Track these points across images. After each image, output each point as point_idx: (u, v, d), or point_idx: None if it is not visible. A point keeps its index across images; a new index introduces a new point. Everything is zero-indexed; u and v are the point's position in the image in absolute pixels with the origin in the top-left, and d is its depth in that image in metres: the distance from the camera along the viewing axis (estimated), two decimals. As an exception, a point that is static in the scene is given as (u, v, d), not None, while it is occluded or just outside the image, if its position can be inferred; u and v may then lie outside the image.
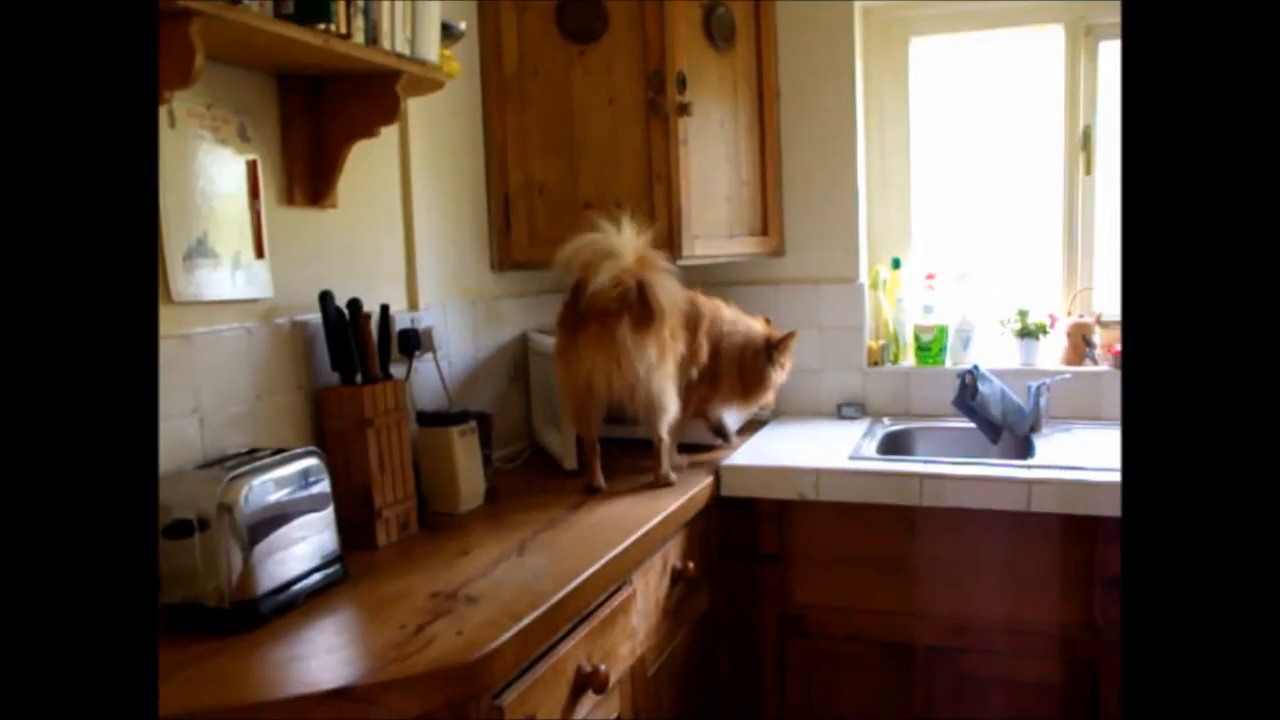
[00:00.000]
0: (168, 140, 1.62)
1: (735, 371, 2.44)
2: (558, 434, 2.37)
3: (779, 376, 2.48)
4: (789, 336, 2.47)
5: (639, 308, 2.08)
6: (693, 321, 2.35)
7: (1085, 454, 2.29)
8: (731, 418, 2.63)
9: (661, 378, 2.15)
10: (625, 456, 2.37)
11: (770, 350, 2.45)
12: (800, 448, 2.49)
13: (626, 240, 2.10)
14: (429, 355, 2.24)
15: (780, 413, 2.90)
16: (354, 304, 1.90)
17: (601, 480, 2.19)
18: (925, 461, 2.33)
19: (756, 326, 2.49)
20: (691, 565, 2.13)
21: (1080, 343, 2.76)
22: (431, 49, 1.90)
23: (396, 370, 2.03)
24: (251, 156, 1.80)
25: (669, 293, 2.10)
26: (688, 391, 2.39)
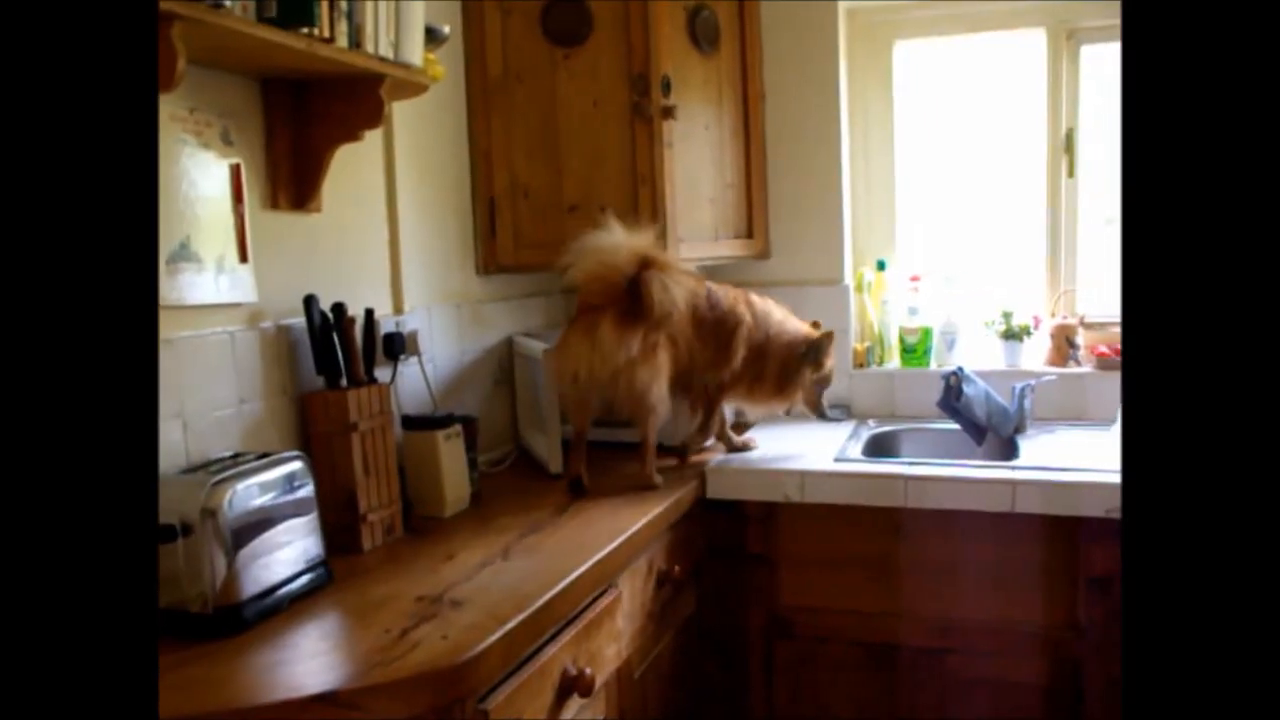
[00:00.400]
0: (150, 144, 1.61)
1: (777, 372, 2.43)
2: (543, 437, 2.37)
3: (811, 377, 2.46)
4: (824, 337, 2.45)
5: (627, 303, 2.10)
6: (726, 326, 2.34)
7: (1069, 455, 2.30)
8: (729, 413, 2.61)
9: (645, 375, 2.15)
10: (615, 460, 2.38)
11: (808, 351, 2.44)
12: (786, 449, 2.49)
13: (620, 240, 2.13)
14: (414, 359, 2.24)
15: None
16: (338, 308, 1.90)
17: (585, 477, 2.20)
18: (910, 463, 2.34)
19: (804, 329, 2.48)
20: (678, 568, 2.13)
21: (1064, 344, 2.77)
22: (415, 52, 1.90)
23: (381, 374, 2.03)
24: (235, 160, 1.80)
25: (668, 292, 2.11)
26: (716, 392, 2.40)
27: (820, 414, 2.57)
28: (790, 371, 2.44)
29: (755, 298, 2.45)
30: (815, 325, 2.51)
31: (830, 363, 2.50)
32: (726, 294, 2.38)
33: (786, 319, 2.48)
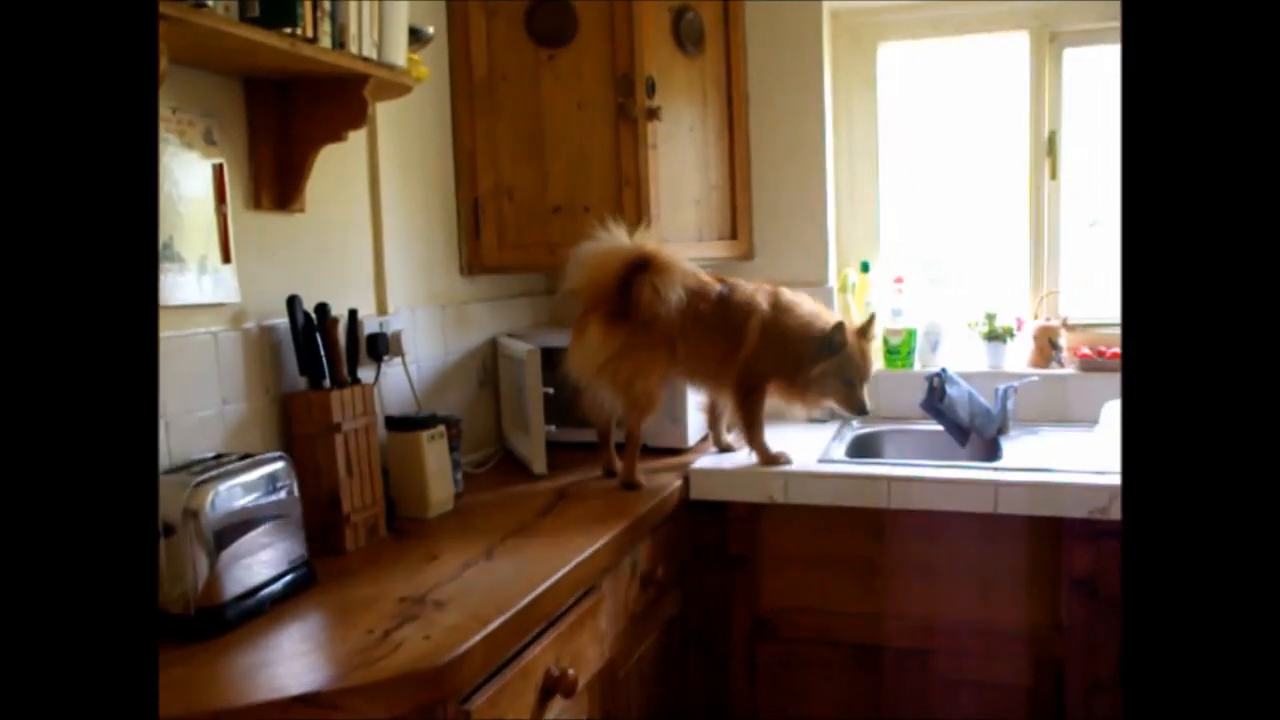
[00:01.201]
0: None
1: (792, 365, 2.28)
2: (527, 438, 2.37)
3: (820, 369, 2.26)
4: (835, 328, 2.25)
5: (617, 303, 2.15)
6: (735, 317, 2.29)
7: (1052, 456, 2.31)
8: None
9: (627, 371, 2.19)
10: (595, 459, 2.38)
11: (821, 344, 2.26)
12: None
13: (613, 244, 2.16)
14: (397, 359, 2.23)
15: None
16: (322, 308, 1.90)
17: (618, 465, 2.29)
18: (894, 464, 2.34)
19: (825, 320, 2.31)
20: (661, 569, 2.13)
21: (1047, 346, 2.79)
22: (399, 53, 1.90)
23: (365, 375, 2.02)
24: (218, 160, 1.79)
25: (658, 294, 2.14)
26: (731, 388, 2.34)
27: (858, 409, 2.31)
28: (804, 363, 2.27)
29: (786, 292, 2.35)
30: (867, 320, 2.33)
31: (856, 347, 2.29)
32: (744, 288, 2.33)
33: (819, 313, 2.33)
